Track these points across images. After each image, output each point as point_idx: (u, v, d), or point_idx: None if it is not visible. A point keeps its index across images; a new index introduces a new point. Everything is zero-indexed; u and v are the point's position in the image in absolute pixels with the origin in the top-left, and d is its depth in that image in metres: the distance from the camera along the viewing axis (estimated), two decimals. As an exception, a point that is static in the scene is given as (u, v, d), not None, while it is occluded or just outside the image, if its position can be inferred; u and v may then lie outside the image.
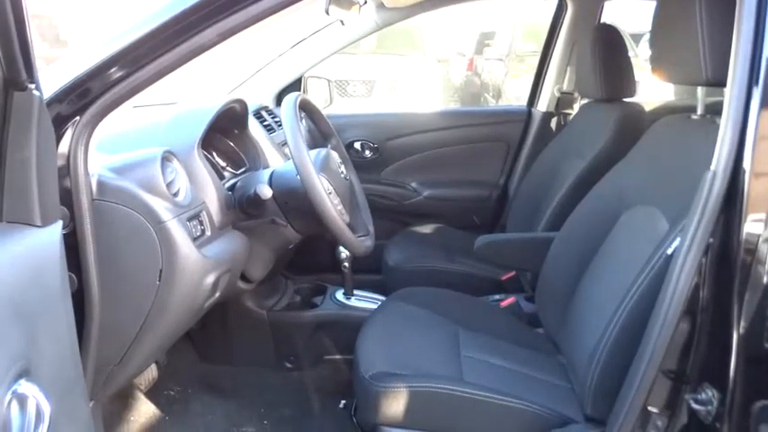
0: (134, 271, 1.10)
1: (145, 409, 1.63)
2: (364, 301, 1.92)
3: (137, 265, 1.10)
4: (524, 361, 1.31)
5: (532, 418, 1.13)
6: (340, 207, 1.40)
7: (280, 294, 1.93)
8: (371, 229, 1.62)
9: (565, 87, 2.37)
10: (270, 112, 2.09)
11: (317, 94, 2.26)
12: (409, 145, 2.40)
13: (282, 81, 2.26)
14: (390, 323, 1.42)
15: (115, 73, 0.97)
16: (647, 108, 2.11)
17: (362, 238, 1.50)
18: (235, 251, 1.36)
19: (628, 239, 1.25)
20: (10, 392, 0.57)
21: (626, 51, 1.77)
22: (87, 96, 0.97)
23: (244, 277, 1.52)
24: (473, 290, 1.75)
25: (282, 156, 1.84)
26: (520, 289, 1.89)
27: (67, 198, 0.98)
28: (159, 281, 1.11)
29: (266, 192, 1.34)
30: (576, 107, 2.35)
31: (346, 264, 1.85)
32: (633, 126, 1.69)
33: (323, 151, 1.50)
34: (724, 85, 0.91)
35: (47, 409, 0.61)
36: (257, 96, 2.14)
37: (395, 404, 1.14)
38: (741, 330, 0.86)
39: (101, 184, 1.06)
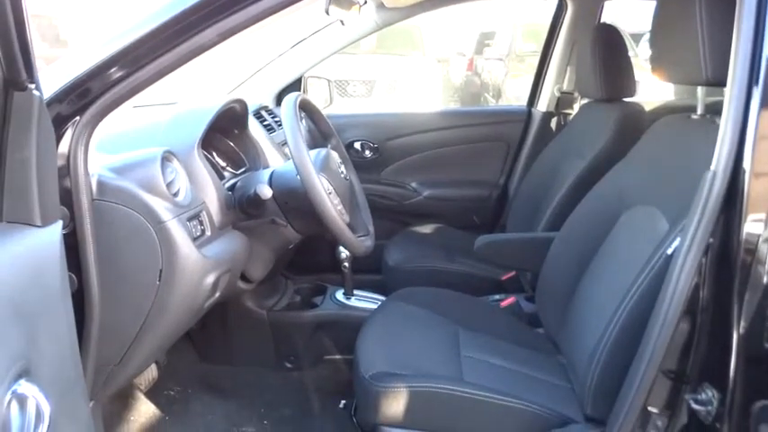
0: (134, 271, 1.10)
1: (145, 409, 1.63)
2: (364, 301, 1.92)
3: (137, 265, 1.10)
4: (524, 361, 1.31)
5: (532, 418, 1.13)
6: (340, 207, 1.40)
7: (280, 294, 1.93)
8: (371, 229, 1.62)
9: (565, 87, 2.37)
10: (270, 112, 2.09)
11: (317, 94, 2.26)
12: (409, 145, 2.40)
13: (282, 81, 2.26)
14: (390, 323, 1.42)
15: (115, 73, 0.97)
16: (647, 108, 2.11)
17: (362, 238, 1.50)
18: (235, 251, 1.36)
19: (628, 239, 1.25)
20: (10, 392, 0.57)
21: (626, 51, 1.77)
22: (87, 96, 0.97)
23: (244, 277, 1.52)
24: (473, 290, 1.75)
25: (282, 156, 1.84)
26: (520, 289, 1.89)
27: (67, 198, 0.98)
28: (159, 281, 1.11)
29: (266, 192, 1.35)
30: (576, 107, 2.35)
31: (346, 264, 1.85)
32: (633, 126, 1.69)
33: (323, 151, 1.50)
34: (724, 84, 0.91)
35: (47, 409, 0.61)
36: (257, 96, 2.14)
37: (395, 404, 1.14)
38: (741, 330, 0.86)
39: (101, 183, 1.06)
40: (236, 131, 1.61)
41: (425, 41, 7.37)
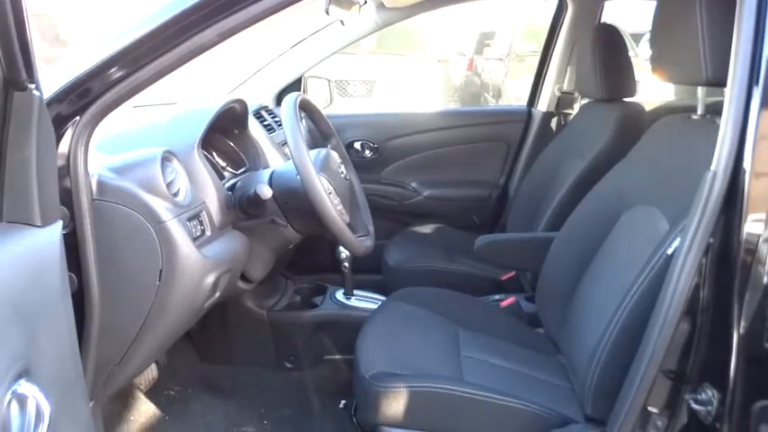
0: (134, 271, 1.10)
1: (145, 409, 1.63)
2: (364, 301, 1.92)
3: (137, 265, 1.10)
4: (524, 361, 1.31)
5: (532, 418, 1.13)
6: (340, 207, 1.40)
7: (280, 294, 1.93)
8: (371, 228, 1.62)
9: (565, 87, 2.37)
10: (270, 112, 2.09)
11: (317, 94, 2.26)
12: (409, 145, 2.40)
13: (282, 81, 2.26)
14: (390, 323, 1.42)
15: (115, 73, 0.97)
16: (648, 108, 2.11)
17: (362, 237, 1.50)
18: (235, 251, 1.36)
19: (628, 239, 1.25)
20: (10, 392, 0.57)
21: (626, 51, 1.77)
22: (87, 96, 0.97)
23: (244, 277, 1.52)
24: (473, 290, 1.75)
25: (282, 156, 1.84)
26: (520, 289, 1.89)
27: (67, 198, 0.98)
28: (159, 281, 1.11)
29: (266, 192, 1.35)
30: (577, 107, 2.35)
31: (346, 264, 1.85)
32: (633, 126, 1.69)
33: (323, 151, 1.50)
34: (724, 84, 0.91)
35: (47, 409, 0.61)
36: (257, 96, 2.14)
37: (395, 404, 1.13)
38: (741, 330, 0.86)
39: (101, 183, 1.06)
40: (236, 131, 1.61)
41: (425, 41, 7.38)
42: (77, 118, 0.97)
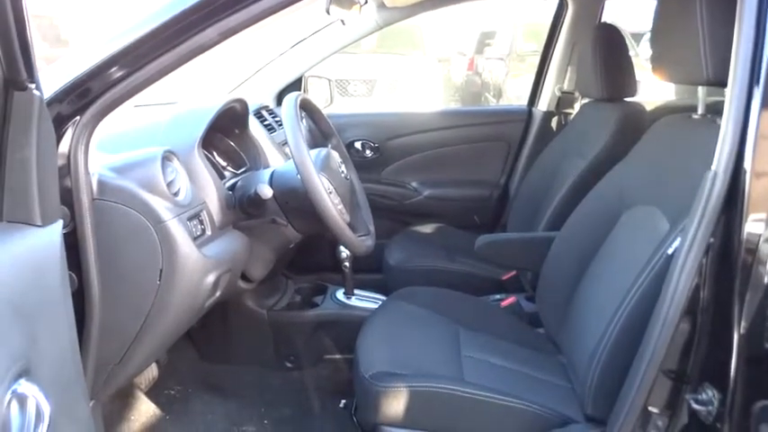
0: (134, 270, 1.10)
1: (145, 409, 1.63)
2: (365, 300, 1.92)
3: (137, 264, 1.10)
4: (525, 361, 1.31)
5: (533, 418, 1.13)
6: (340, 206, 1.40)
7: (280, 294, 1.93)
8: (372, 228, 1.62)
9: (565, 87, 2.36)
10: (270, 112, 2.09)
11: (317, 94, 2.26)
12: (410, 144, 2.40)
13: (283, 80, 2.26)
14: (391, 323, 1.42)
15: (115, 73, 0.97)
16: (648, 108, 2.11)
17: (363, 237, 1.50)
18: (235, 251, 1.36)
19: (628, 239, 1.25)
20: (10, 392, 0.57)
21: (627, 51, 1.77)
22: (87, 96, 0.97)
23: (244, 277, 1.52)
24: (474, 289, 1.75)
25: (283, 155, 1.84)
26: (520, 289, 1.89)
27: (68, 197, 0.98)
28: (159, 280, 1.11)
29: (267, 191, 1.35)
30: (577, 107, 2.35)
31: (347, 263, 1.85)
32: (634, 126, 1.69)
33: (323, 151, 1.50)
34: (725, 84, 0.91)
35: (46, 408, 0.61)
36: (258, 96, 2.14)
37: (395, 404, 1.13)
38: (742, 330, 0.86)
39: (101, 183, 1.06)
40: (236, 131, 1.61)
41: (426, 41, 7.37)
42: (78, 118, 0.97)
